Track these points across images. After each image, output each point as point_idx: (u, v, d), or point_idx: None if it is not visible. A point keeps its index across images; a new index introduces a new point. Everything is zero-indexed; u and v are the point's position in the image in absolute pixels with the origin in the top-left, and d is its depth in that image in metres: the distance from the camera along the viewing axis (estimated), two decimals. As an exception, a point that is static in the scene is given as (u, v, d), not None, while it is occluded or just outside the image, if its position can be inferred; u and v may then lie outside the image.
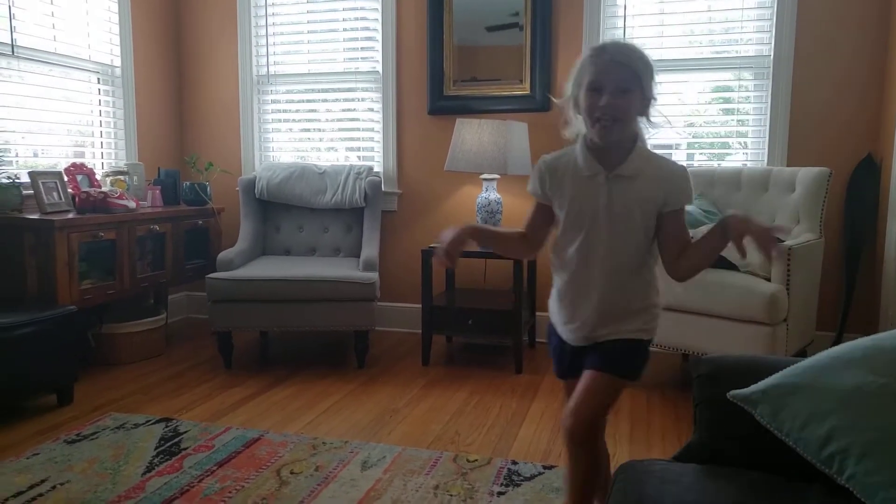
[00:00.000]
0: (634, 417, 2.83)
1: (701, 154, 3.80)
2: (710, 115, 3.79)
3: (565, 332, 1.64)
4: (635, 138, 1.53)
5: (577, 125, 1.55)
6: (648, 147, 1.57)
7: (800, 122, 3.54)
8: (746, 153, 3.70)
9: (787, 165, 3.51)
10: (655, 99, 1.53)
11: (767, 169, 3.41)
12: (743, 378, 1.34)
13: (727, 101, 3.75)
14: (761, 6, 3.58)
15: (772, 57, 3.55)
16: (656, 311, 1.64)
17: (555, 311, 1.67)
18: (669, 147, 3.88)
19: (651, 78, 1.49)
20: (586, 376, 1.56)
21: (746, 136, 3.70)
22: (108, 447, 2.47)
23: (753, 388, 1.26)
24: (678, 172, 1.54)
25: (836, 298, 3.53)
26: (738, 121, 3.71)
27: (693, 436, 1.44)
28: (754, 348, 2.80)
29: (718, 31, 3.68)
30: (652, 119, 1.54)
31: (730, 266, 2.98)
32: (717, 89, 3.77)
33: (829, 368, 1.20)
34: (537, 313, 3.91)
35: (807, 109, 3.53)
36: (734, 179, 3.44)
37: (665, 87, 3.78)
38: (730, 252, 2.96)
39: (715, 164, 3.75)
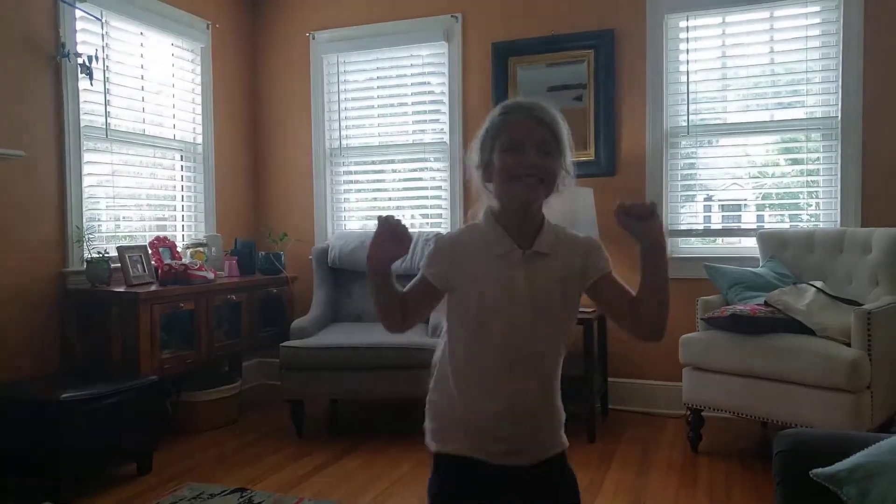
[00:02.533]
0: (714, 491, 2.73)
1: (771, 213, 3.74)
2: (779, 177, 3.74)
3: (473, 449, 1.33)
4: (542, 217, 1.35)
5: (487, 198, 1.36)
6: (555, 225, 1.37)
7: (872, 181, 3.45)
8: (818, 213, 3.62)
9: (862, 226, 3.41)
10: (570, 173, 1.35)
11: (841, 230, 3.32)
12: (826, 454, 1.31)
13: (797, 161, 3.70)
14: (826, 68, 3.55)
15: (839, 118, 3.50)
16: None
17: (444, 425, 1.39)
18: (739, 207, 3.84)
19: (567, 139, 1.33)
20: None
21: (818, 197, 3.62)
22: (187, 515, 2.53)
23: (838, 466, 1.22)
24: (591, 242, 1.37)
25: (925, 363, 3.35)
26: (809, 181, 3.65)
27: (776, 515, 1.40)
28: (837, 416, 2.68)
29: (784, 93, 3.66)
30: (560, 191, 1.33)
31: (807, 331, 2.89)
32: (785, 150, 3.73)
33: (918, 448, 1.16)
34: (609, 378, 3.85)
35: (879, 169, 3.44)
36: (807, 241, 3.36)
37: (730, 150, 3.77)
38: (805, 317, 2.89)
39: (786, 224, 3.67)
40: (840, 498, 1.20)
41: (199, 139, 4.26)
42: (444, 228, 4.25)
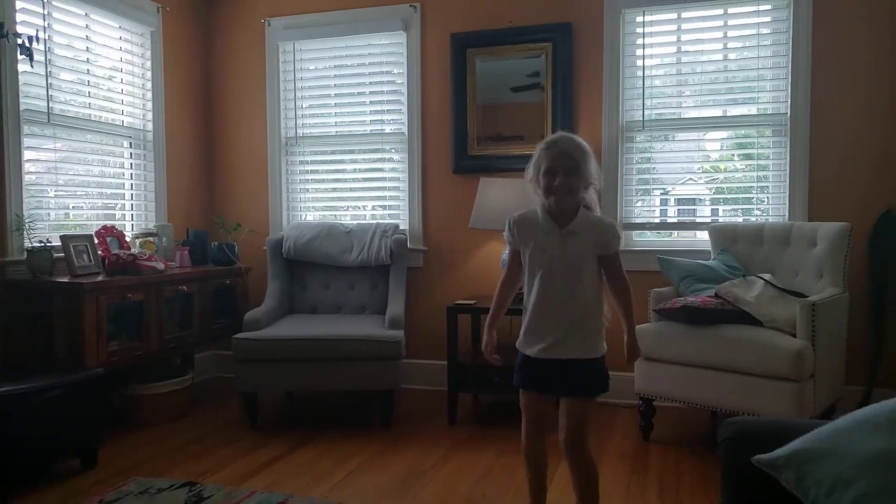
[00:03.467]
0: (664, 477, 2.78)
1: (725, 208, 3.81)
2: (732, 171, 3.81)
3: (531, 350, 2.10)
4: (578, 206, 2.05)
5: (538, 198, 2.08)
6: (588, 213, 2.08)
7: (819, 177, 3.55)
8: (768, 208, 3.70)
9: (809, 220, 3.50)
10: (593, 182, 2.06)
11: (789, 224, 3.40)
12: (769, 441, 1.32)
13: (749, 157, 3.77)
14: (776, 66, 3.63)
15: (789, 115, 3.58)
16: (601, 333, 2.09)
17: (523, 335, 2.14)
18: (694, 201, 3.90)
19: (587, 164, 2.03)
20: (568, 403, 2.10)
21: (768, 192, 3.70)
22: (133, 511, 2.47)
23: (778, 452, 1.24)
24: (609, 226, 2.07)
25: (864, 353, 3.46)
26: (760, 177, 3.72)
27: (721, 500, 1.42)
28: (782, 405, 2.75)
29: (738, 90, 3.73)
30: (589, 195, 2.07)
31: (755, 322, 2.95)
32: (738, 146, 3.80)
33: (854, 432, 1.18)
34: (562, 370, 3.88)
35: (826, 165, 3.54)
36: (756, 235, 3.44)
37: (685, 146, 3.82)
38: (753, 308, 2.96)
39: (740, 219, 3.75)
40: (779, 483, 1.22)
41: (150, 126, 4.15)
42: (403, 221, 4.23)
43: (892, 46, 3.43)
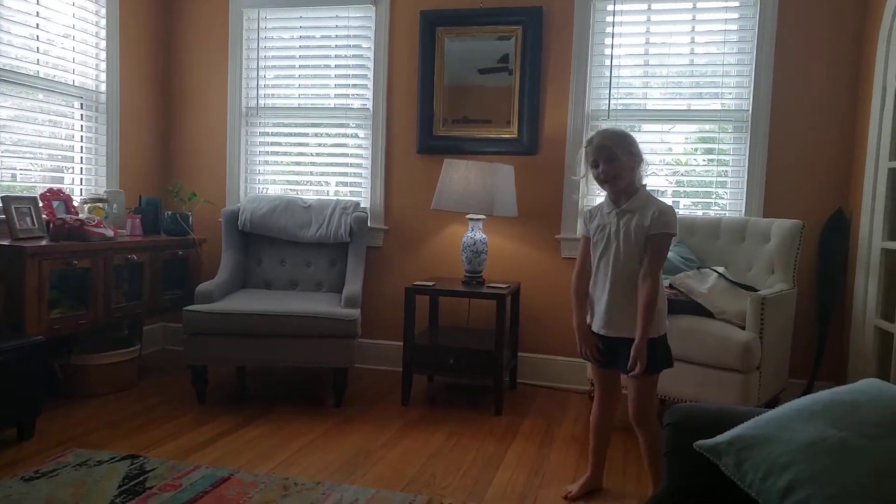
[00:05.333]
0: (612, 462, 2.80)
1: (686, 200, 3.85)
2: (694, 165, 3.84)
3: (594, 324, 2.36)
4: (637, 189, 2.29)
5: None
6: (648, 192, 2.32)
7: (776, 174, 3.60)
8: (726, 203, 3.75)
9: (764, 216, 3.56)
10: (638, 160, 2.28)
11: (745, 219, 3.45)
12: (712, 427, 1.34)
13: (710, 151, 3.81)
14: (741, 63, 3.67)
15: (750, 111, 3.63)
16: (659, 314, 2.25)
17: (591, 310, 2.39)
18: (656, 193, 3.92)
19: (623, 147, 2.25)
20: (625, 379, 2.35)
21: (727, 187, 3.75)
22: (67, 485, 2.39)
23: (719, 438, 1.25)
24: (663, 208, 2.24)
25: (808, 347, 3.55)
26: (720, 171, 3.77)
27: (663, 484, 1.43)
28: (729, 395, 2.80)
29: (703, 83, 3.76)
30: (642, 174, 2.32)
31: (707, 314, 3.00)
32: (701, 140, 3.83)
33: (792, 421, 1.20)
34: (520, 354, 3.90)
35: (782, 163, 3.60)
36: (713, 228, 3.48)
37: (650, 137, 3.84)
38: (706, 300, 3.00)
39: (699, 212, 3.79)
40: (719, 468, 1.23)
41: (103, 87, 3.99)
42: (365, 199, 4.17)
43: (851, 52, 3.49)
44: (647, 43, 3.81)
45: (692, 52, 3.76)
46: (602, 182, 2.28)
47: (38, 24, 3.59)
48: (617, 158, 2.23)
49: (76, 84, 3.85)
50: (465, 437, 3.07)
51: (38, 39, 3.60)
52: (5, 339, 2.77)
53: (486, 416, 3.37)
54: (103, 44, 3.97)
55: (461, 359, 3.42)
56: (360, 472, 2.63)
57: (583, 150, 2.35)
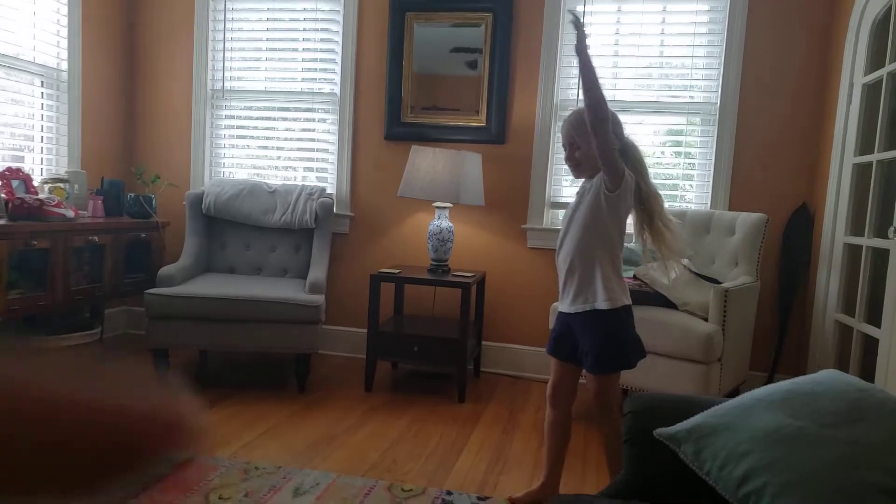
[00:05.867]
0: (572, 450, 2.83)
1: (649, 193, 3.88)
2: (663, 157, 3.88)
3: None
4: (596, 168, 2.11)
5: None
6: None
7: (742, 168, 3.66)
8: (693, 196, 3.80)
9: (729, 209, 3.62)
10: (598, 139, 2.01)
11: (710, 212, 3.50)
12: (672, 416, 1.36)
13: (678, 144, 3.85)
14: (710, 55, 3.71)
15: (718, 105, 3.67)
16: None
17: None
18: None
19: (580, 130, 2.08)
20: (588, 375, 2.27)
21: (693, 179, 3.80)
22: (24, 466, 2.35)
23: (678, 426, 1.27)
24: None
25: (769, 340, 3.63)
26: (688, 164, 3.81)
27: (622, 471, 1.45)
28: (690, 385, 2.85)
29: (673, 76, 3.79)
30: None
31: (671, 305, 3.04)
32: (670, 132, 3.87)
33: (750, 410, 1.22)
34: (483, 342, 3.91)
35: (749, 157, 3.65)
36: (679, 220, 3.51)
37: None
38: (669, 292, 3.04)
39: (665, 204, 3.81)
40: (678, 456, 1.25)
41: (65, 66, 3.88)
42: (332, 185, 4.14)
43: (819, 48, 3.55)
44: (618, 34, 3.82)
45: (662, 45, 3.79)
46: (569, 168, 2.21)
47: (-5, -2, 3.47)
48: (577, 145, 2.12)
49: (37, 62, 3.74)
50: (428, 424, 3.08)
51: (-4, 14, 3.49)
52: (-43, 320, 2.70)
53: (449, 403, 3.38)
54: (65, 20, 3.85)
55: (425, 346, 3.42)
56: (322, 457, 2.63)
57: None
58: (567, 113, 3.80)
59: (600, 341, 2.12)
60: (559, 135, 3.85)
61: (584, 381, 2.31)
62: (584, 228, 2.11)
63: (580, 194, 2.17)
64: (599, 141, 1.98)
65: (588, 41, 2.08)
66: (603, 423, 2.27)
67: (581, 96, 2.05)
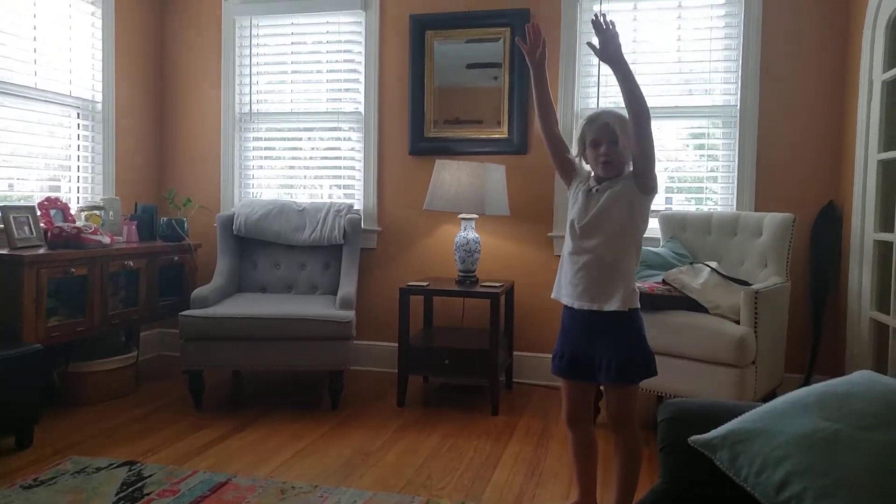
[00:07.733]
0: (607, 461, 2.82)
1: (678, 196, 3.87)
2: (686, 160, 3.87)
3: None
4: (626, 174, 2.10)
5: (586, 167, 2.18)
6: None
7: (766, 168, 3.63)
8: (718, 198, 3.78)
9: (755, 210, 3.59)
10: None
11: (736, 214, 3.47)
12: (706, 422, 1.35)
13: (701, 147, 3.83)
14: (728, 59, 3.69)
15: (738, 107, 3.65)
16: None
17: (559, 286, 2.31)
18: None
19: (624, 128, 2.04)
20: (606, 387, 2.22)
21: (717, 182, 3.77)
22: (66, 493, 2.39)
23: (713, 433, 1.27)
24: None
25: (804, 341, 3.57)
26: (711, 167, 3.79)
27: (658, 480, 1.44)
28: (724, 390, 2.81)
29: (692, 80, 3.78)
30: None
31: (701, 309, 3.02)
32: (692, 135, 3.85)
33: (785, 414, 1.22)
34: (515, 353, 3.91)
35: (772, 157, 3.62)
36: (705, 223, 3.50)
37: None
38: (699, 295, 3.02)
39: (691, 207, 3.81)
40: (714, 463, 1.25)
41: (99, 97, 4.00)
42: (359, 201, 4.19)
43: (837, 45, 3.51)
44: (635, 41, 3.82)
45: (679, 50, 3.78)
46: (602, 164, 2.05)
47: (35, 37, 3.60)
48: (619, 141, 2.04)
49: (73, 94, 3.87)
50: (462, 438, 3.08)
51: (35, 52, 3.61)
52: (3, 348, 2.76)
53: (482, 416, 3.38)
54: (99, 54, 3.99)
55: (456, 359, 3.44)
56: (358, 475, 2.65)
57: (580, 129, 2.13)
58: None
59: (629, 344, 2.08)
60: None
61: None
62: (621, 226, 2.06)
63: (600, 192, 2.07)
64: (648, 142, 2.00)
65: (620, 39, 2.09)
66: (619, 441, 2.15)
67: (623, 97, 2.03)
